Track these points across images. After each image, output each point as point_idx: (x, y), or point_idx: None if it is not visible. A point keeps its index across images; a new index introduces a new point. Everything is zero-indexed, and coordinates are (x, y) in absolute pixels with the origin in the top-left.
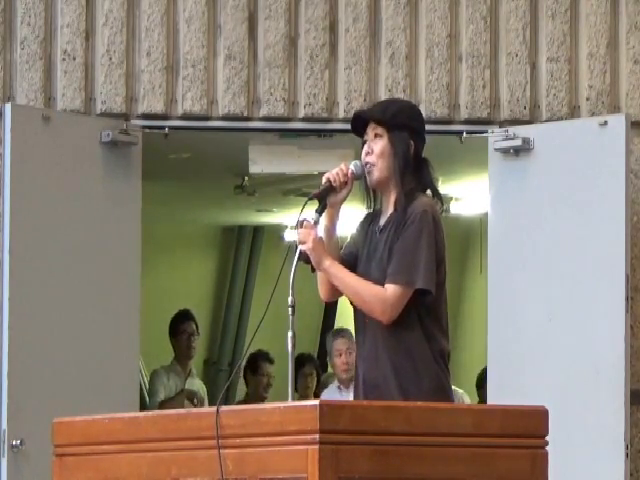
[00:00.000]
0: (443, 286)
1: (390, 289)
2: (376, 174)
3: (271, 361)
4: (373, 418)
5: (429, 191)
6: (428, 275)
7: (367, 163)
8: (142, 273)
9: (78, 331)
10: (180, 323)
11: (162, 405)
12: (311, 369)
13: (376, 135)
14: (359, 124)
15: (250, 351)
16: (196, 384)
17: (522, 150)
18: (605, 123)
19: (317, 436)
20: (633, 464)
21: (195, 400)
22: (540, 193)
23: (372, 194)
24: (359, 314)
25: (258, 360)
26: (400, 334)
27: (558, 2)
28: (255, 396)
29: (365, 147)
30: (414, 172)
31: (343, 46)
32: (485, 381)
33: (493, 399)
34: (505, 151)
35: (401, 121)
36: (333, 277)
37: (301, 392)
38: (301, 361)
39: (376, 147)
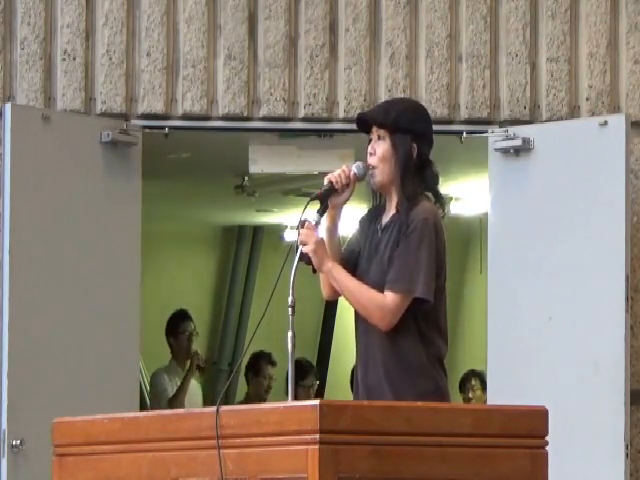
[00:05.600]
0: (443, 291)
1: (389, 296)
2: (378, 178)
3: (273, 363)
4: (373, 418)
5: (431, 194)
6: (427, 284)
7: (369, 164)
8: (142, 273)
9: (78, 331)
10: (180, 322)
11: (170, 403)
12: (312, 380)
13: (379, 137)
14: (365, 121)
15: (252, 351)
16: (192, 384)
17: (522, 150)
18: (605, 123)
19: (317, 436)
20: (633, 464)
21: (198, 359)
22: (540, 193)
23: (377, 194)
24: (359, 316)
25: (260, 361)
26: (395, 339)
27: (558, 2)
28: (255, 397)
29: (369, 147)
30: (417, 174)
31: (343, 46)
32: (467, 384)
33: (493, 399)
34: (505, 151)
35: (403, 124)
36: (334, 280)
37: None
38: (301, 372)
39: (378, 149)
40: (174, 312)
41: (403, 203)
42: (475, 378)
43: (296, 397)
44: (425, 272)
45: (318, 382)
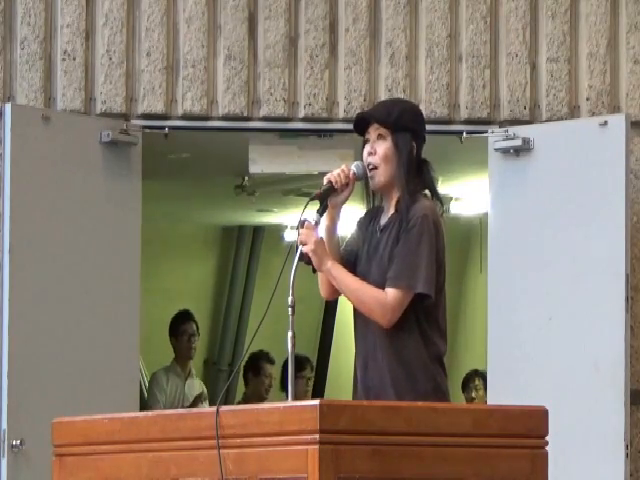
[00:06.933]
0: (442, 289)
1: (390, 293)
2: (380, 178)
3: (272, 362)
4: (373, 418)
5: (428, 192)
6: (428, 280)
7: (369, 164)
8: (142, 273)
9: (78, 331)
10: (181, 323)
11: None
12: (309, 373)
13: (379, 136)
14: (360, 122)
15: (251, 351)
16: (196, 385)
17: (522, 150)
18: (605, 123)
19: (317, 436)
20: (633, 464)
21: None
22: (540, 193)
23: (372, 194)
24: (358, 315)
25: (260, 361)
26: (397, 337)
27: (558, 2)
28: (255, 397)
29: (367, 147)
30: (415, 173)
31: (343, 46)
32: (470, 383)
33: (493, 399)
34: (505, 151)
35: (405, 123)
36: (334, 279)
37: (299, 396)
38: (299, 364)
39: (379, 149)
40: (177, 313)
41: (404, 201)
42: (478, 378)
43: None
44: (425, 268)
45: (314, 376)
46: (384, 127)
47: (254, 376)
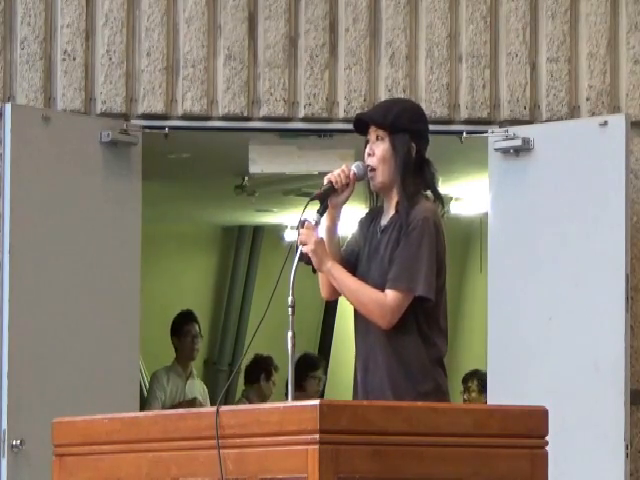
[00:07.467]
0: (443, 290)
1: (390, 295)
2: (378, 179)
3: (277, 369)
4: (373, 418)
5: (430, 192)
6: (428, 282)
7: (368, 165)
8: (142, 273)
9: (78, 331)
10: (184, 324)
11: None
12: (321, 373)
13: (377, 137)
14: (362, 123)
15: (258, 354)
16: (197, 385)
17: (522, 150)
18: (605, 123)
19: (317, 436)
20: (633, 464)
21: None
22: (540, 193)
23: (374, 194)
24: (359, 317)
25: (271, 366)
26: (398, 338)
27: (558, 2)
28: (258, 398)
29: (367, 149)
30: (416, 173)
31: (343, 46)
32: (465, 384)
33: (493, 399)
34: (505, 151)
35: (402, 124)
36: (334, 279)
37: (312, 396)
38: (312, 364)
39: (377, 150)
40: (179, 312)
41: (403, 203)
42: (473, 379)
43: (306, 387)
44: (426, 270)
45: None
46: (381, 129)
47: (266, 380)
